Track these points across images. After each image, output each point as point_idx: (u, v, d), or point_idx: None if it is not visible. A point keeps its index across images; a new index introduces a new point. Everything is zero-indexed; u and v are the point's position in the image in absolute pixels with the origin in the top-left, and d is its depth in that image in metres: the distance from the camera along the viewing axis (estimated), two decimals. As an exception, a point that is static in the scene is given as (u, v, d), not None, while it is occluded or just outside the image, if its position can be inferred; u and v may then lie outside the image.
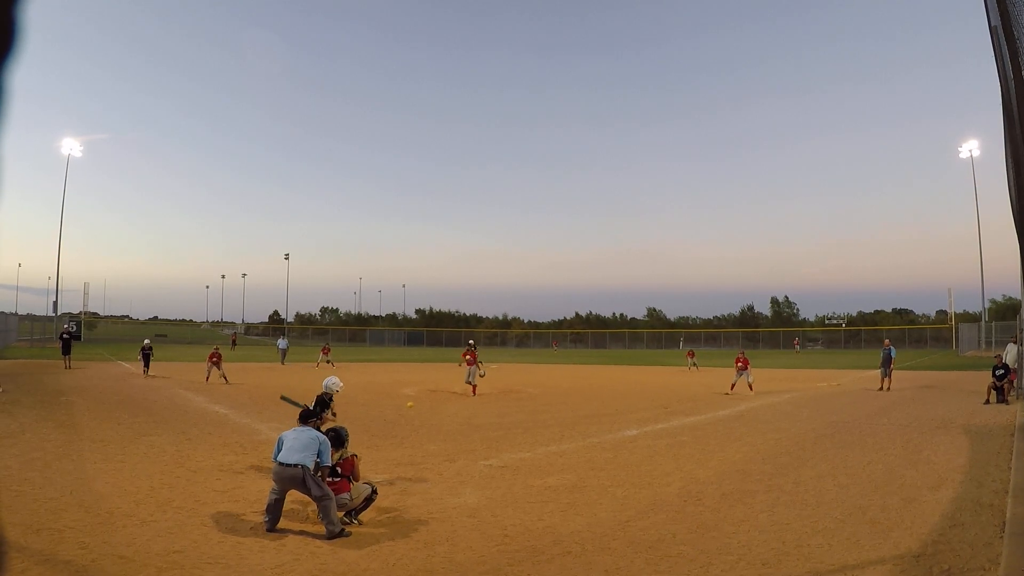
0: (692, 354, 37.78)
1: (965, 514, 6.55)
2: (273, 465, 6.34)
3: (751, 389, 20.39)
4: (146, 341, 25.60)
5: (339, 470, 6.55)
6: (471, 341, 22.60)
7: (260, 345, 65.96)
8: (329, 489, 6.23)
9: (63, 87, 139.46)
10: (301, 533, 6.06)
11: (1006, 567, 4.84)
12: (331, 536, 5.94)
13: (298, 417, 6.76)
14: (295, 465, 6.19)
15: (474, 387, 19.52)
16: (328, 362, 32.42)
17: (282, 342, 36.14)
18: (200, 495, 7.28)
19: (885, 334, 34.55)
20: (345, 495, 6.43)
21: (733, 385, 20.75)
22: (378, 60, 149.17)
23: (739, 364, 20.78)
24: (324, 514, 6.07)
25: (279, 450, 6.38)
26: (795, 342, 65.60)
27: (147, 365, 24.38)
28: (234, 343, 56.20)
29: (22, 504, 6.63)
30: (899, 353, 22.31)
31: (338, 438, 6.83)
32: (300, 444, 6.33)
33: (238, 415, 14.07)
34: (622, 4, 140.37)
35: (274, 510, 6.23)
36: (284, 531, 6.08)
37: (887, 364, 21.19)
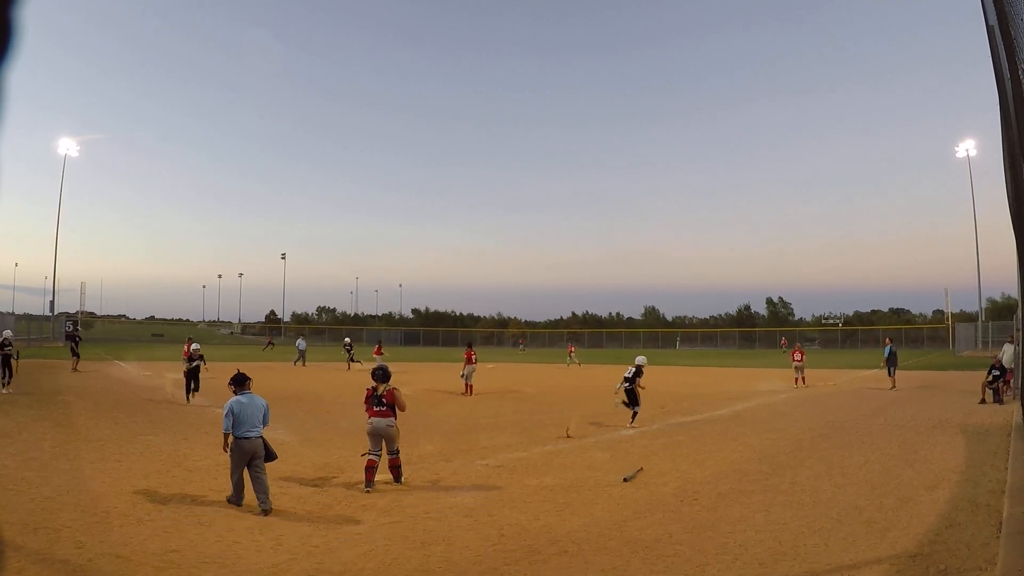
0: (572, 348, 40.31)
1: (962, 514, 6.57)
2: (237, 441, 6.83)
3: (796, 383, 22.47)
4: (195, 346, 17.39)
5: (384, 400, 7.87)
6: (469, 342, 23.30)
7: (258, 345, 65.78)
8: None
9: (59, 87, 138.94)
10: (292, 516, 6.06)
11: (1003, 567, 4.85)
12: (265, 510, 6.60)
13: (235, 382, 7.29)
14: (258, 437, 6.96)
15: (470, 386, 19.60)
16: (368, 359, 30.63)
17: (301, 343, 34.77)
18: (197, 494, 7.28)
19: (882, 334, 34.56)
20: (392, 419, 7.86)
21: (796, 379, 22.74)
22: (374, 61, 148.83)
23: (796, 358, 22.89)
24: (263, 489, 6.76)
25: (235, 423, 6.86)
26: (782, 342, 63.03)
27: (196, 385, 16.19)
28: (271, 344, 53.17)
29: (19, 503, 6.62)
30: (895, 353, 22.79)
31: (385, 374, 8.13)
32: (256, 415, 7.03)
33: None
34: (622, 5, 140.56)
35: (241, 487, 6.87)
36: (280, 531, 6.08)
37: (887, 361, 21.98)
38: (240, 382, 7.26)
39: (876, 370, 23.69)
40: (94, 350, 41.24)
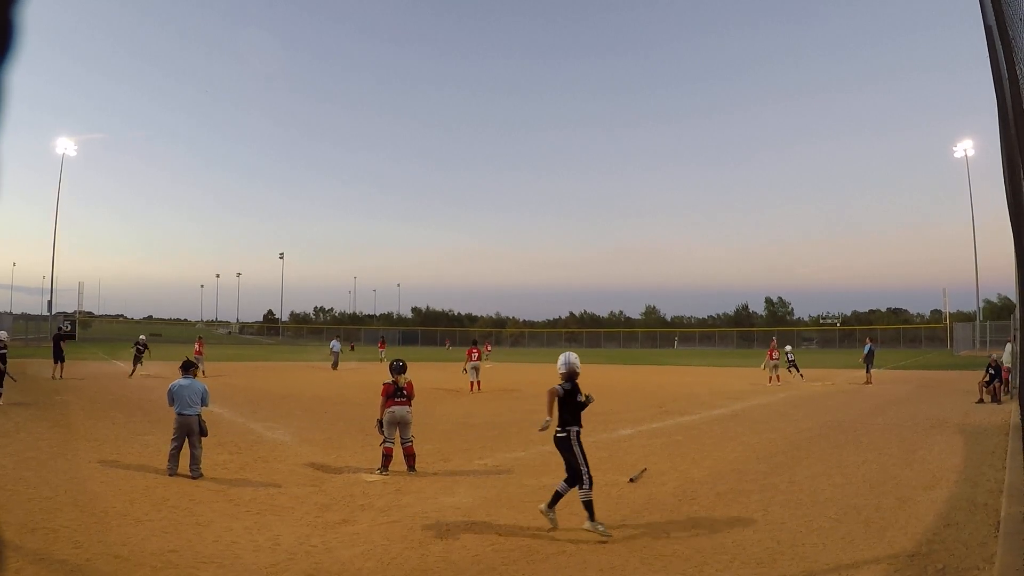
0: (489, 346, 44.55)
1: (960, 514, 6.58)
2: (178, 417, 8.08)
3: (777, 380, 23.66)
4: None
5: (405, 392, 8.78)
6: (474, 340, 23.89)
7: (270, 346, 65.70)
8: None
9: (58, 87, 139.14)
10: (290, 516, 6.06)
11: (1000, 566, 4.86)
12: (196, 476, 7.89)
13: (182, 367, 8.54)
14: (194, 415, 8.11)
15: (476, 383, 19.88)
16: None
17: (335, 344, 31.81)
18: (195, 494, 7.27)
19: (879, 333, 34.78)
20: (410, 407, 8.77)
21: (770, 378, 23.98)
22: (373, 63, 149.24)
23: (774, 356, 24.31)
24: (196, 460, 8.03)
25: (175, 401, 8.12)
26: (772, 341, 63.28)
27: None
28: (352, 347, 53.59)
29: (17, 503, 6.61)
30: (894, 353, 24.32)
31: (403, 367, 8.95)
32: (194, 397, 8.19)
33: (233, 415, 14.04)
34: (622, 7, 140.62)
35: (176, 457, 8.03)
36: (278, 531, 6.08)
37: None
38: (185, 368, 8.53)
39: (872, 370, 24.03)
40: (92, 350, 41.20)
